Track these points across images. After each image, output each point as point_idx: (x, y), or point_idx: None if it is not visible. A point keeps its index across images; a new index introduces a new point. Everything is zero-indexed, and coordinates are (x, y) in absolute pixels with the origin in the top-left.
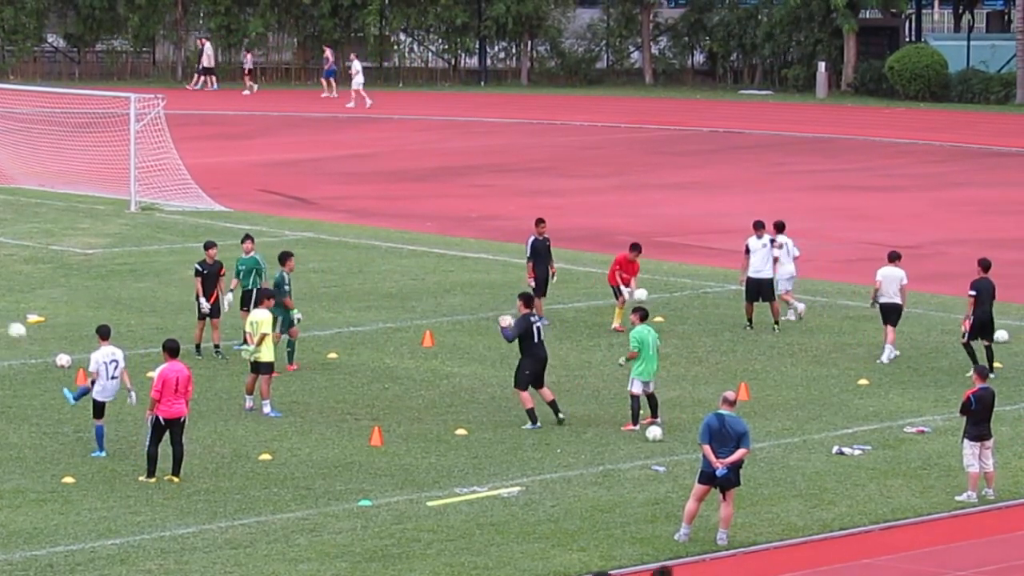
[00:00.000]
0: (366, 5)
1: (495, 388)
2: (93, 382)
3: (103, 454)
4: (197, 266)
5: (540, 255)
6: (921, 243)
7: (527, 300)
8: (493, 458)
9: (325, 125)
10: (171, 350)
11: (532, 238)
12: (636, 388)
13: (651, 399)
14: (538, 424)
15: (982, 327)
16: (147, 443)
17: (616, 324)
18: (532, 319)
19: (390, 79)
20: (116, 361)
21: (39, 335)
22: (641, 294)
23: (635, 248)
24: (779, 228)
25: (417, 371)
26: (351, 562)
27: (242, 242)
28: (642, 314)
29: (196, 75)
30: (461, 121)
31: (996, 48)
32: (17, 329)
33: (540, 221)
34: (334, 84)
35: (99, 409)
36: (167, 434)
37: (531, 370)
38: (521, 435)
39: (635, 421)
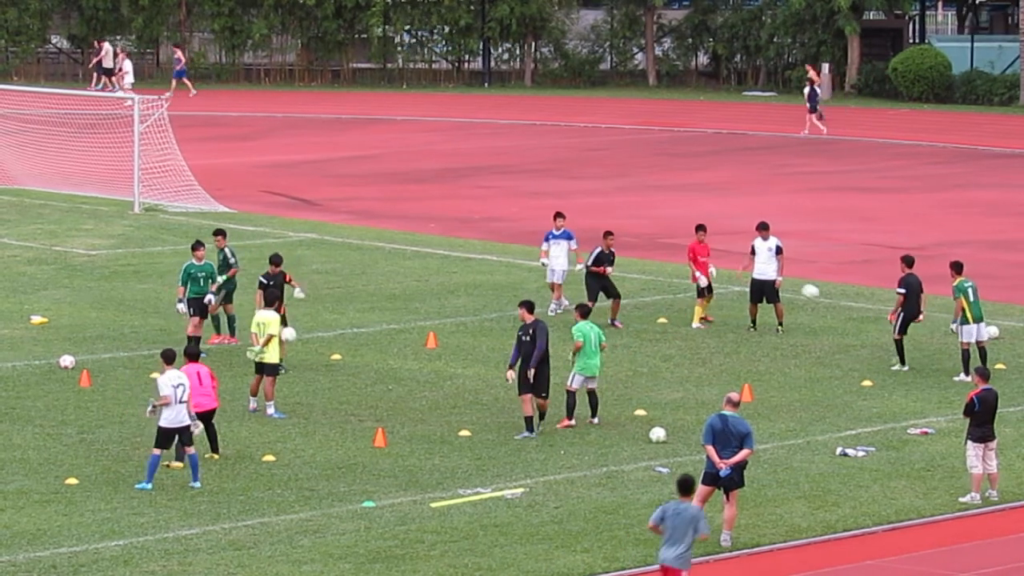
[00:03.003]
0: (370, 6)
1: (499, 389)
2: (155, 407)
3: (149, 486)
4: (261, 279)
5: (603, 264)
6: (925, 244)
7: (529, 307)
8: (497, 459)
9: (328, 126)
10: (190, 355)
11: (598, 249)
12: (575, 384)
13: (591, 397)
14: (535, 433)
15: (912, 322)
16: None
17: (696, 322)
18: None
19: (394, 80)
20: (183, 385)
21: (43, 336)
22: (703, 281)
23: (701, 228)
24: (559, 214)
25: (421, 372)
26: (355, 563)
27: (194, 249)
28: (584, 311)
29: (97, 75)
30: (465, 122)
31: (1003, 49)
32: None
33: (608, 234)
34: (188, 83)
35: (166, 437)
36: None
37: (538, 378)
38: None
39: (570, 415)
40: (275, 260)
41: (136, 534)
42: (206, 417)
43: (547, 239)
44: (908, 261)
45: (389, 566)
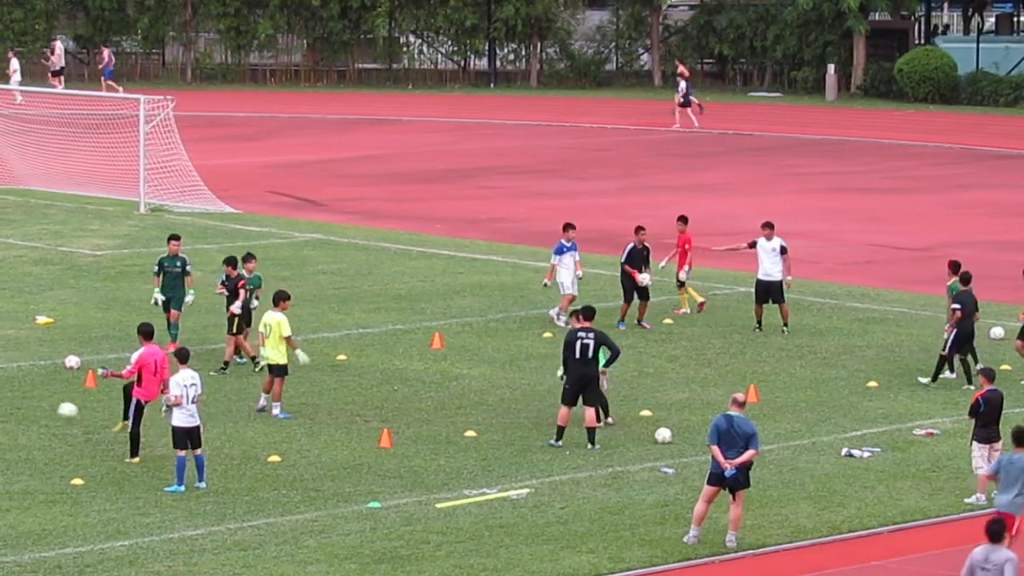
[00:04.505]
0: (375, 7)
1: (504, 390)
2: (169, 407)
3: (182, 488)
4: (222, 278)
5: (636, 263)
6: (930, 245)
7: (585, 314)
8: (502, 460)
9: (334, 126)
10: (146, 333)
11: (631, 245)
12: None
13: (600, 398)
14: (559, 443)
15: (966, 340)
16: (130, 425)
17: (685, 308)
18: (580, 335)
19: (399, 81)
20: (196, 385)
21: (48, 336)
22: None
23: (682, 220)
24: (570, 225)
25: (426, 373)
26: (360, 564)
27: (246, 260)
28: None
29: (51, 75)
30: (470, 123)
31: (1009, 50)
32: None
33: (640, 229)
34: (114, 84)
35: (181, 437)
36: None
37: (570, 385)
38: (530, 437)
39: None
40: (229, 262)
41: (142, 534)
42: (140, 408)
43: (560, 251)
44: (965, 278)
45: (394, 566)
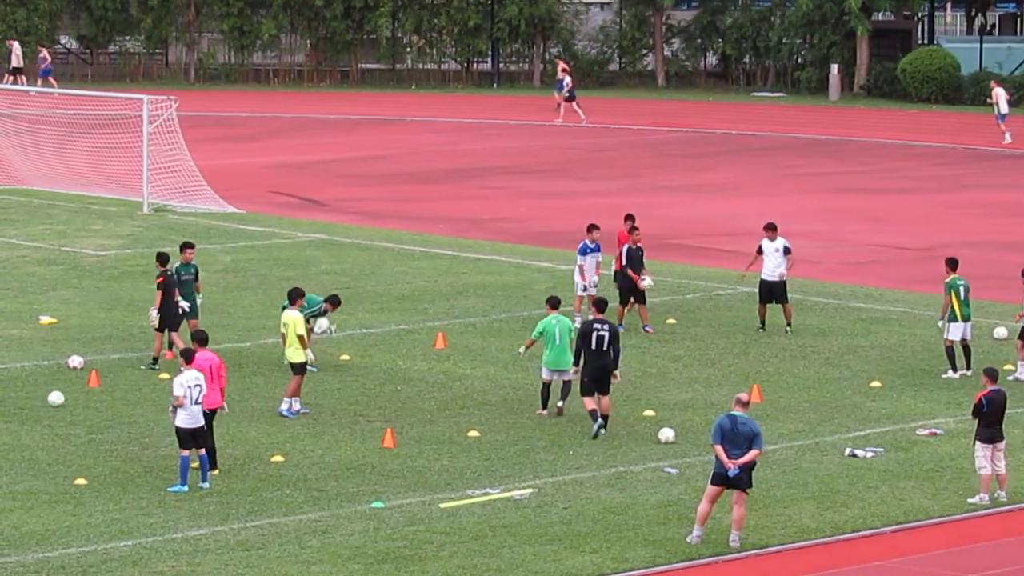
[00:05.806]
0: (378, 7)
1: (507, 390)
2: (175, 408)
3: (185, 488)
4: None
5: (634, 263)
6: (933, 245)
7: (599, 305)
8: (505, 460)
9: (337, 127)
10: (201, 340)
11: (626, 247)
12: (544, 375)
13: (564, 385)
14: (599, 423)
15: None
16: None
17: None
18: (595, 327)
19: (402, 81)
20: (200, 386)
21: (51, 337)
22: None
23: (629, 218)
24: (594, 226)
25: (430, 373)
26: (363, 564)
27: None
28: (553, 303)
29: (6, 75)
30: (473, 123)
31: (1012, 50)
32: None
33: (634, 229)
34: (53, 82)
35: (185, 438)
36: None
37: (589, 377)
38: (533, 437)
39: (544, 406)
40: (161, 259)
41: (145, 534)
42: (207, 417)
43: (584, 252)
44: None
45: (398, 567)
